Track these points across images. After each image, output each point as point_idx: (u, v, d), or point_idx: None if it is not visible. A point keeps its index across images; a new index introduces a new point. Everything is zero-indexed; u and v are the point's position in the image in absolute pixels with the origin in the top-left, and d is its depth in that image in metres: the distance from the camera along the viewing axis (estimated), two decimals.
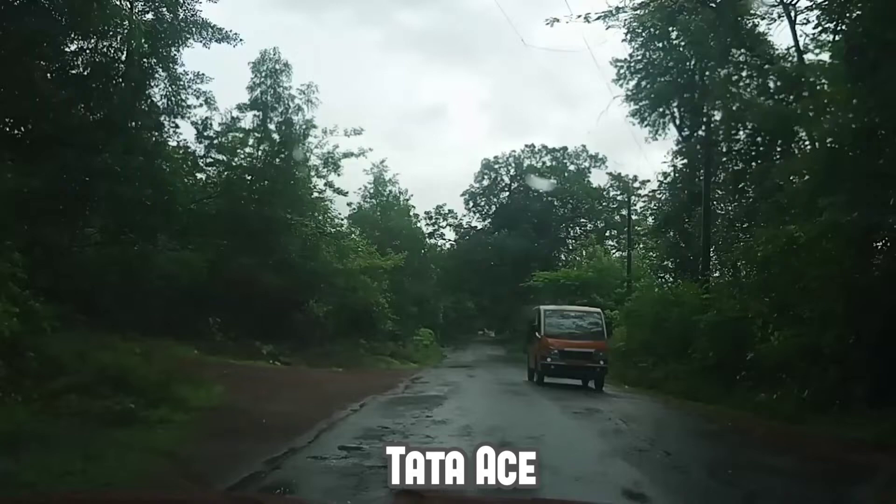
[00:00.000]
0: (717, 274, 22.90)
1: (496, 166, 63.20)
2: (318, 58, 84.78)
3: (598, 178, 62.57)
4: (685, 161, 31.63)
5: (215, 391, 11.15)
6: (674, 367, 18.74)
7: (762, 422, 12.04)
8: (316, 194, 30.15)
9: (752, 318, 14.15)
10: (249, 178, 25.96)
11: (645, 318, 23.31)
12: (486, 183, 63.85)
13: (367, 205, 44.95)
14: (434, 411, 11.65)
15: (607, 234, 60.98)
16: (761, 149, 24.49)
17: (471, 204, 64.05)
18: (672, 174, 32.13)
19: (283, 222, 24.24)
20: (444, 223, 64.00)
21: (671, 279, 31.39)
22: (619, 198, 62.74)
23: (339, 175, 31.17)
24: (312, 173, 30.43)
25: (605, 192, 62.00)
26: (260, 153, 25.21)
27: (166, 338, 20.65)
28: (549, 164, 62.32)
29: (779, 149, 23.62)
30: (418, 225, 46.34)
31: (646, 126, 33.34)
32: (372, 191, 44.59)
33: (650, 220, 33.31)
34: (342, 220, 29.25)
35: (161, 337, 20.41)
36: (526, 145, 62.78)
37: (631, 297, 34.09)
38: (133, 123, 19.99)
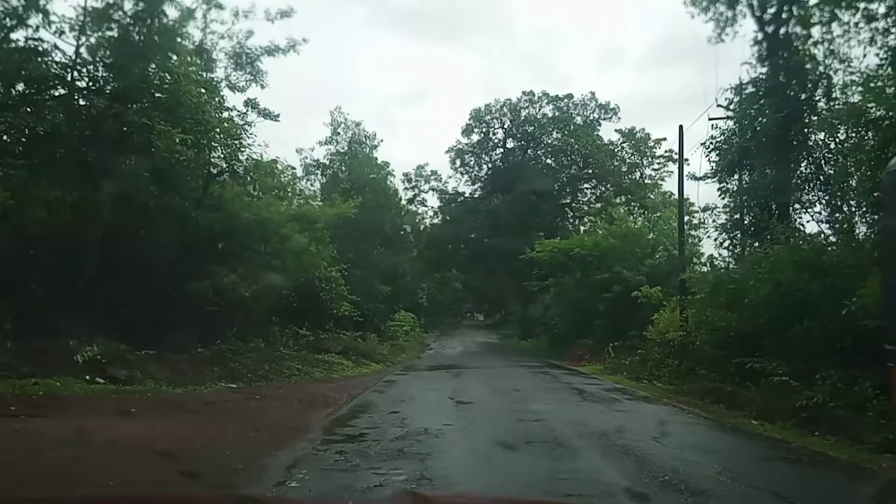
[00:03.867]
0: None
1: (487, 118, 52.84)
2: (305, 38, 79.95)
3: (607, 134, 52.89)
4: (766, 69, 21.75)
5: None
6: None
7: None
8: (229, 114, 20.24)
9: None
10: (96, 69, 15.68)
11: (753, 292, 13.52)
12: (475, 138, 53.57)
13: (323, 155, 34.91)
14: None
15: (617, 199, 51.25)
16: None
17: (458, 163, 53.76)
18: (747, 89, 22.24)
19: (138, 130, 14.03)
20: (425, 186, 53.78)
21: (744, 239, 21.69)
22: (629, 159, 53.09)
23: (262, 86, 21.26)
24: (221, 80, 20.57)
25: (616, 151, 52.11)
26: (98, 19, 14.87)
27: None
28: (550, 115, 52.15)
29: None
30: (390, 181, 36.25)
31: (709, 20, 23.63)
32: (329, 136, 34.38)
33: (712, 155, 23.29)
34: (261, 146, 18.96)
35: None
36: (523, 92, 52.48)
37: (693, 265, 24.67)
38: None
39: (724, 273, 16.42)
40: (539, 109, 51.96)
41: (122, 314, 14.78)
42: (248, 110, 21.94)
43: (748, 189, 21.75)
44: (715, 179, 23.22)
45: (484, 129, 53.06)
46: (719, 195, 22.63)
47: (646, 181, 51.54)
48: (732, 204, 22.97)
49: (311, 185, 32.58)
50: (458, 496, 3.32)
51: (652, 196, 49.51)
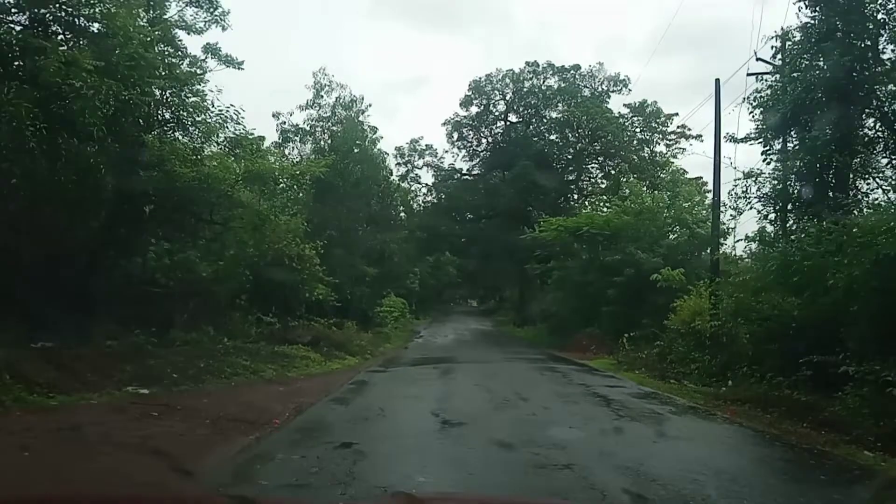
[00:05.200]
0: None
1: (488, 88, 49.03)
2: (305, 24, 75.84)
3: (616, 108, 49.09)
4: (818, 13, 18.14)
5: None
6: None
7: None
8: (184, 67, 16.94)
9: None
10: None
11: (843, 270, 10.08)
12: (474, 111, 49.75)
13: (303, 120, 31.18)
14: None
15: (624, 179, 47.68)
16: None
17: (455, 137, 49.99)
18: (794, 37, 18.70)
19: (26, 54, 10.53)
20: (419, 162, 50.03)
21: (797, 210, 18.18)
22: (639, 134, 49.40)
23: (224, 28, 18.20)
24: (171, 17, 17.31)
25: (625, 125, 48.39)
26: None
27: None
28: (556, 86, 48.35)
29: None
30: (379, 148, 32.42)
31: None
32: (311, 100, 30.61)
33: (756, 113, 19.72)
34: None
35: None
36: (527, 63, 48.63)
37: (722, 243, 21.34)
38: None
39: (795, 248, 12.92)
40: (543, 81, 48.17)
41: (13, 296, 11.38)
42: (207, 56, 18.81)
43: (802, 150, 18.14)
44: (759, 141, 19.57)
45: (484, 102, 49.27)
46: (763, 159, 19.09)
47: (657, 158, 48.04)
48: (781, 168, 19.22)
49: (290, 153, 28.99)
50: (447, 497, 3.27)
51: (663, 174, 46.21)
